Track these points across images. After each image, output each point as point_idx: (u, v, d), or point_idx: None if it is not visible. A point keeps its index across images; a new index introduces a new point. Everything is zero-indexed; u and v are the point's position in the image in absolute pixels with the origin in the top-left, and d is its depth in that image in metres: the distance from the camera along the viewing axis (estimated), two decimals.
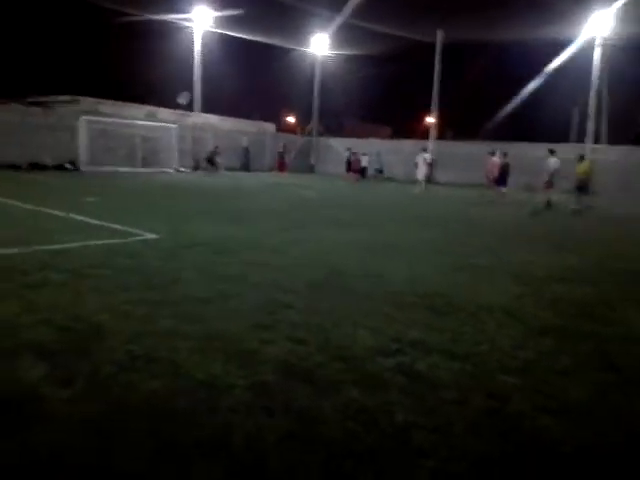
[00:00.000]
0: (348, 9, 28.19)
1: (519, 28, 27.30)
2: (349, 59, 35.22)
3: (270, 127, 35.81)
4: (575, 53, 26.85)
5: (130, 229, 7.77)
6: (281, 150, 30.37)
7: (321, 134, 36.59)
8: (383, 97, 46.77)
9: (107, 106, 24.69)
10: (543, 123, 31.11)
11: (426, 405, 2.74)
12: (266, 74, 37.18)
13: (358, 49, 34.02)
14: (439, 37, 28.70)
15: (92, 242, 6.63)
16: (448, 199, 19.12)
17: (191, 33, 27.36)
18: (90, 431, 2.33)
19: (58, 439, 2.26)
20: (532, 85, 32.56)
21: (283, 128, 44.14)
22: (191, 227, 8.38)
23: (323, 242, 7.70)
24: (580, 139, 27.49)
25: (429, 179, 29.03)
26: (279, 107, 46.51)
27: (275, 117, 43.22)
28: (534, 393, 2.99)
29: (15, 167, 20.30)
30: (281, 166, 30.39)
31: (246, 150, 30.96)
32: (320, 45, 32.99)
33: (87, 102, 24.14)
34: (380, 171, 28.65)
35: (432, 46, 30.12)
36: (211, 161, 24.82)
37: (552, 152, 16.35)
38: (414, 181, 24.12)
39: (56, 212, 9.07)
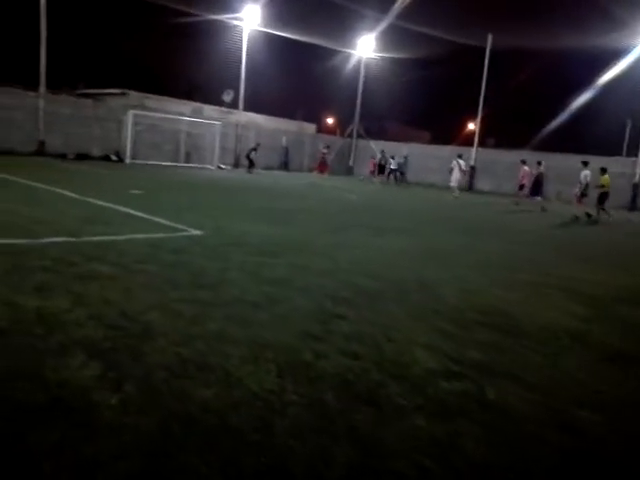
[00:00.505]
0: (395, 11, 27.91)
1: (573, 36, 26.37)
2: (393, 62, 34.82)
3: (310, 127, 35.80)
4: (633, 62, 25.72)
5: (174, 224, 7.73)
6: (325, 151, 29.91)
7: (360, 136, 36.29)
8: (425, 101, 46.12)
9: (154, 101, 25.10)
10: (596, 135, 29.94)
11: (499, 439, 2.49)
12: (309, 74, 37.14)
13: (402, 52, 33.57)
14: (489, 41, 27.95)
15: (138, 235, 6.60)
16: (483, 206, 18.55)
17: (238, 32, 27.52)
18: (141, 444, 2.19)
19: (107, 450, 2.12)
20: (585, 95, 31.38)
21: (323, 129, 44.08)
22: (235, 225, 8.30)
23: (369, 247, 7.48)
24: (633, 152, 26.36)
25: (470, 186, 28.54)
26: (320, 107, 46.47)
27: (316, 117, 43.21)
28: (616, 431, 2.70)
29: (63, 156, 20.87)
30: (322, 167, 30.09)
31: (285, 149, 31.03)
32: (365, 47, 32.72)
33: (134, 96, 24.60)
34: (402, 173, 28.07)
35: (478, 50, 29.42)
36: (249, 158, 24.93)
37: (585, 164, 15.95)
38: (448, 187, 23.65)
39: (102, 203, 9.15)
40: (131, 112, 22.62)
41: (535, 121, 38.58)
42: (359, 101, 35.19)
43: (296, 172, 30.13)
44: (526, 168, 20.20)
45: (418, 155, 32.37)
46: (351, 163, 35.08)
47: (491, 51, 28.92)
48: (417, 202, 18.45)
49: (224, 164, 26.85)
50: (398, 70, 35.99)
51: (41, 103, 21.10)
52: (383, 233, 9.17)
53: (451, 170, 22.79)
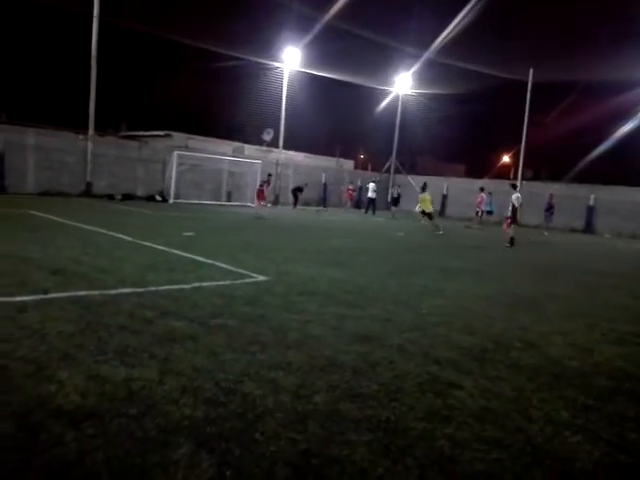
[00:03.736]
0: (432, 49, 27.95)
1: (614, 66, 25.75)
2: (428, 97, 34.76)
3: (348, 164, 35.80)
4: None
5: (236, 269, 7.40)
6: (351, 188, 30.65)
7: (398, 171, 36.05)
8: (460, 135, 45.77)
9: (197, 141, 25.55)
10: None
11: None
12: (346, 111, 37.36)
13: (438, 87, 33.56)
14: (530, 75, 27.59)
15: (204, 283, 6.25)
16: (533, 244, 17.73)
17: (278, 73, 27.96)
18: None
19: None
20: (630, 125, 30.43)
21: (357, 164, 44.14)
22: (296, 269, 7.90)
23: (447, 294, 6.93)
24: None
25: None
26: (357, 144, 46.66)
27: (352, 154, 43.33)
28: None
29: (110, 197, 21.21)
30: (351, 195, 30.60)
31: (324, 186, 31.03)
32: (403, 84, 32.82)
33: (178, 137, 25.11)
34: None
35: (514, 83, 29.09)
36: (295, 195, 25.09)
37: (514, 187, 15.68)
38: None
39: (159, 247, 8.93)
40: (176, 153, 22.96)
41: (574, 152, 37.62)
42: (396, 137, 35.11)
43: (334, 208, 29.95)
44: (483, 195, 21.69)
45: (456, 189, 31.94)
46: (389, 199, 34.68)
47: (523, 83, 28.54)
48: (464, 239, 17.75)
49: (264, 201, 26.86)
50: (433, 105, 35.89)
51: (89, 146, 21.64)
52: (453, 276, 8.60)
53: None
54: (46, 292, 5.17)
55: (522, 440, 2.84)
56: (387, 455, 2.56)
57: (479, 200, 22.16)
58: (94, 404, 2.83)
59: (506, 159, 53.65)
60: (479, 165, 48.44)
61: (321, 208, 24.57)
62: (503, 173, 45.38)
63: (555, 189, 26.10)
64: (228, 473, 2.29)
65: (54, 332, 3.99)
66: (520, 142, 29.30)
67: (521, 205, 15.16)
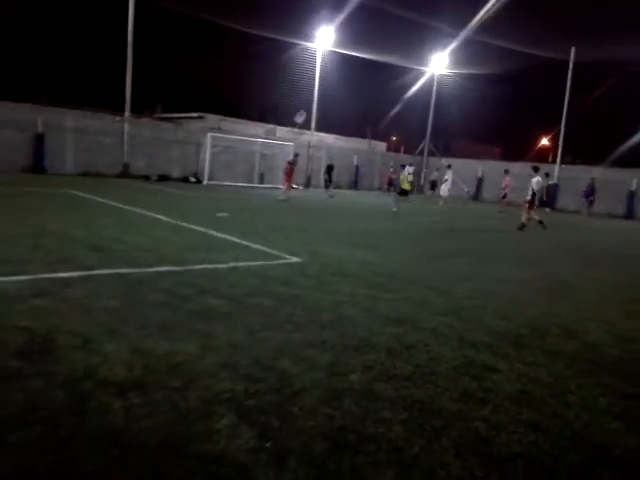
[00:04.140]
0: (470, 27, 27.15)
1: None
2: (464, 77, 33.90)
3: (380, 146, 35.41)
4: None
5: (270, 250, 7.49)
6: (392, 170, 30.30)
7: (432, 153, 35.49)
8: (496, 117, 44.56)
9: (229, 123, 25.69)
10: None
11: None
12: (379, 92, 36.84)
13: (474, 67, 32.64)
14: (572, 55, 26.54)
15: (240, 263, 6.37)
16: (571, 228, 17.23)
17: (310, 54, 27.69)
18: None
19: None
20: None
21: (389, 147, 43.61)
22: (328, 250, 7.94)
23: (480, 278, 6.86)
24: None
25: (550, 204, 27.03)
26: (389, 126, 46.02)
27: (384, 136, 42.81)
28: None
29: (146, 178, 21.63)
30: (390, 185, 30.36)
31: (355, 168, 30.83)
32: (438, 64, 32.07)
33: (212, 119, 25.28)
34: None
35: (553, 63, 28.03)
36: (328, 176, 24.92)
37: (536, 170, 15.04)
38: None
39: (195, 227, 9.11)
40: (209, 134, 23.17)
41: (615, 136, 36.19)
42: (431, 118, 34.45)
43: (366, 191, 29.78)
44: (508, 178, 21.04)
45: (491, 172, 31.20)
46: (422, 182, 34.22)
47: (559, 64, 27.47)
48: (497, 222, 17.41)
49: (296, 184, 26.90)
50: (469, 86, 34.99)
51: (126, 127, 22.04)
52: (486, 260, 8.49)
53: (445, 181, 21.50)
54: (90, 269, 5.36)
55: (559, 425, 2.83)
56: (422, 434, 2.59)
57: (505, 184, 21.56)
58: (139, 376, 2.95)
59: (545, 142, 52.01)
60: (516, 147, 47.25)
61: (332, 191, 24.21)
62: (542, 156, 44.12)
63: (595, 173, 25.23)
64: (268, 445, 2.36)
65: (98, 307, 4.15)
66: (559, 124, 28.35)
67: (541, 188, 14.82)
